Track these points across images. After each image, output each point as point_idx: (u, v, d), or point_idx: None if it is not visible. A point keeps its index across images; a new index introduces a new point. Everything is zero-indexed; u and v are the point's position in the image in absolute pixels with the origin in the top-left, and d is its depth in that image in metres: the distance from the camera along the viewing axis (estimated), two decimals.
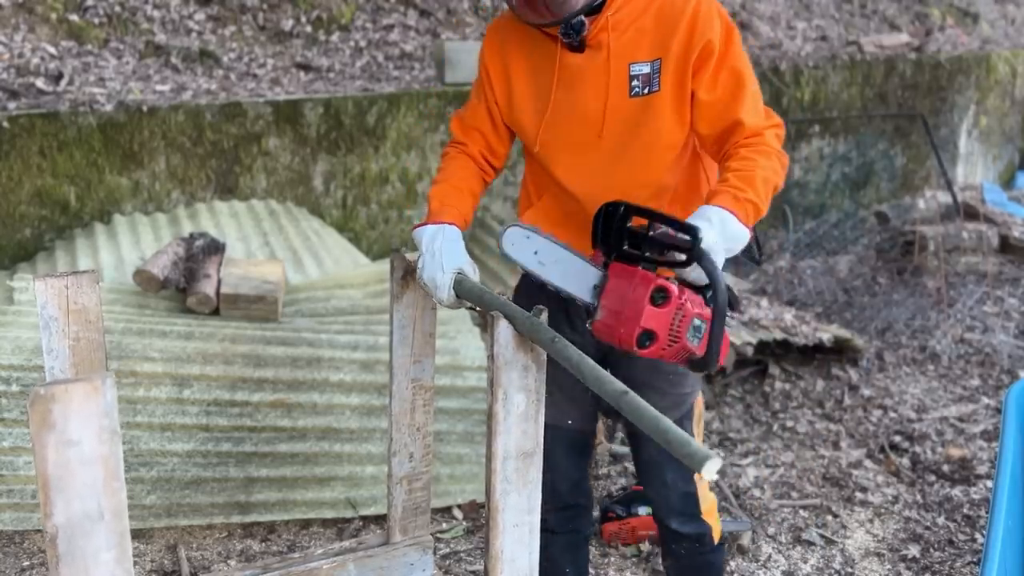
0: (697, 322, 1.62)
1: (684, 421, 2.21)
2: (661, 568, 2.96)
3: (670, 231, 1.66)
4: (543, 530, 2.16)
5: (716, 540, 2.34)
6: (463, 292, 1.84)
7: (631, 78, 1.96)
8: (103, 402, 1.19)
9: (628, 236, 1.73)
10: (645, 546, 3.07)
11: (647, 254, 1.67)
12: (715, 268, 1.63)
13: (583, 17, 1.89)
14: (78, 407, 1.18)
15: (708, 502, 2.32)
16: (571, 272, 1.76)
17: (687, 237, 1.62)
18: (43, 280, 1.53)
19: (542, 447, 1.55)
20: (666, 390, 2.15)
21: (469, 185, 2.08)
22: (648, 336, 1.61)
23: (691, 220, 1.72)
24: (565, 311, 2.10)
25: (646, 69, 1.95)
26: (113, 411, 1.21)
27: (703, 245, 1.64)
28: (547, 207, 2.12)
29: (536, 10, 1.91)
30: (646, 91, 1.96)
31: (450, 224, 1.97)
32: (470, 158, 2.13)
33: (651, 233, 1.68)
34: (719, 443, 3.73)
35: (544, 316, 1.52)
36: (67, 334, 1.54)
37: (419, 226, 1.98)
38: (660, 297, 1.60)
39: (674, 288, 1.62)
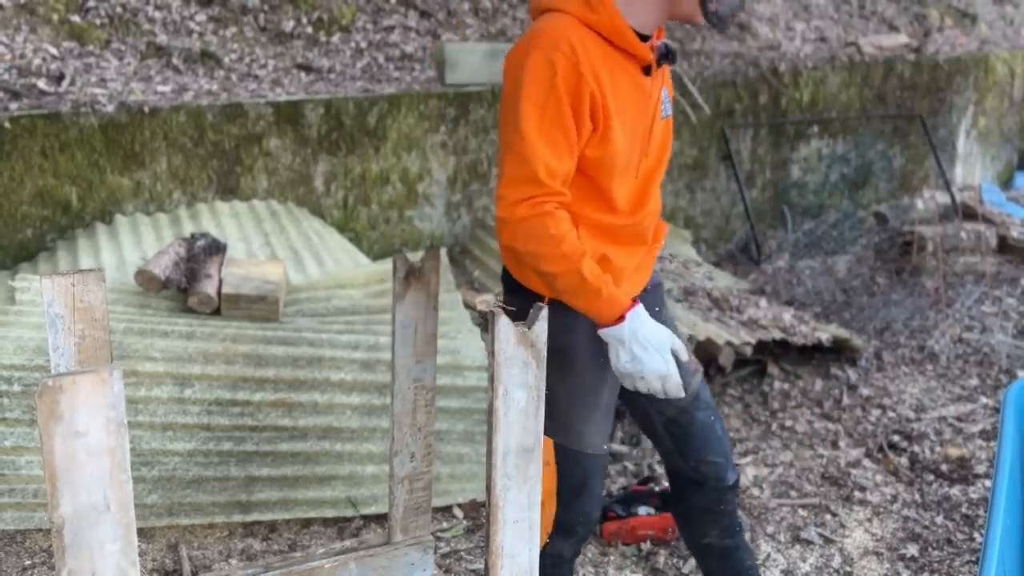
0: None
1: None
2: (661, 567, 2.97)
3: None
4: (560, 560, 2.22)
5: None
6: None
7: (663, 99, 2.08)
8: (110, 394, 1.20)
9: None
10: (646, 545, 3.08)
11: None
12: None
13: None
14: (85, 398, 1.19)
15: None
16: None
17: None
18: (50, 278, 1.55)
19: (542, 443, 1.56)
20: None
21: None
22: None
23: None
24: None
25: (662, 92, 2.07)
26: (120, 403, 1.22)
27: None
28: (595, 233, 2.02)
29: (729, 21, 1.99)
30: (666, 113, 2.08)
31: (632, 307, 1.90)
32: (567, 209, 1.92)
33: None
34: None
35: (544, 313, 1.53)
36: (73, 332, 1.55)
37: (606, 325, 1.90)
38: None
39: None
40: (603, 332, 1.91)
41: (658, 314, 2.16)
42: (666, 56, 2.01)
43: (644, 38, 1.97)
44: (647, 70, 1.99)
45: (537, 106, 1.81)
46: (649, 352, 1.85)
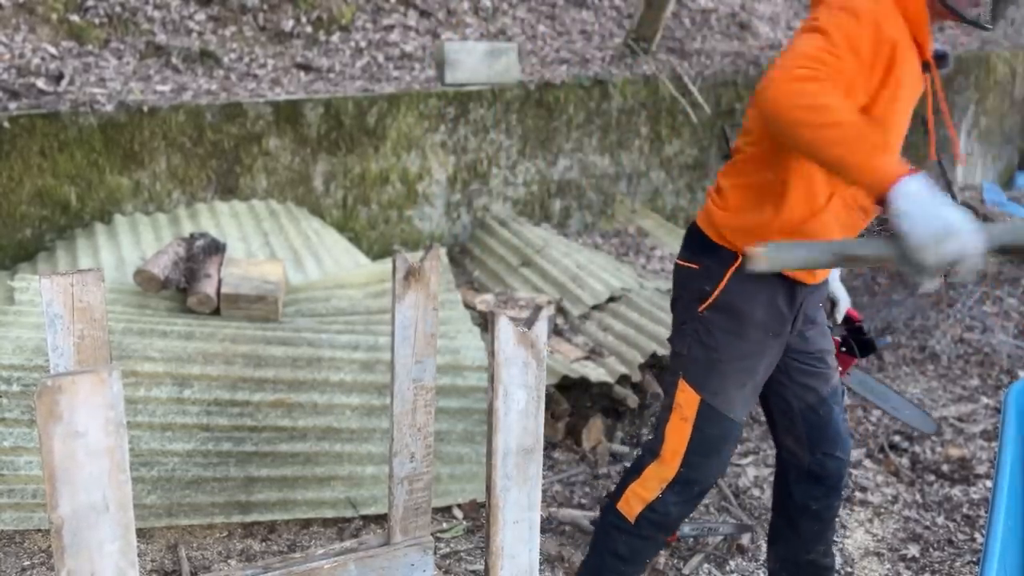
0: None
1: None
2: (661, 567, 2.97)
3: None
4: (665, 520, 2.26)
5: None
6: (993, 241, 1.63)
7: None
8: (109, 394, 1.20)
9: None
10: None
11: None
12: None
13: None
14: (84, 399, 1.19)
15: None
16: None
17: None
18: (49, 278, 1.54)
19: (542, 443, 1.56)
20: None
21: None
22: None
23: None
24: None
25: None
26: (119, 403, 1.21)
27: None
28: (837, 211, 2.09)
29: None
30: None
31: (913, 172, 1.70)
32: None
33: None
34: None
35: (544, 313, 1.53)
36: (72, 332, 1.55)
37: (890, 187, 1.68)
38: None
39: None
40: (893, 194, 1.67)
41: (817, 316, 2.31)
42: (942, 58, 2.10)
43: None
44: (925, 66, 2.06)
45: (835, 27, 1.85)
46: (948, 207, 1.63)
